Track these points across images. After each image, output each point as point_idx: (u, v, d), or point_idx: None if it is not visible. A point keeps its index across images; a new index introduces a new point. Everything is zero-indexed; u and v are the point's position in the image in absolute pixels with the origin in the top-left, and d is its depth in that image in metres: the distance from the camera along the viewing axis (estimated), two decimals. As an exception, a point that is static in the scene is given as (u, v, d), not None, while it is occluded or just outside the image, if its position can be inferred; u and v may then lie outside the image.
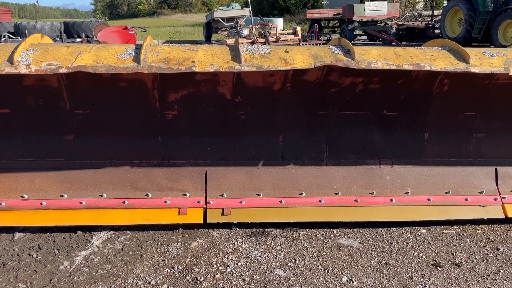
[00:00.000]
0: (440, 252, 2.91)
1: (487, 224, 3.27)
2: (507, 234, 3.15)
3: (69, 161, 3.02)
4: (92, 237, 2.95)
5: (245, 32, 20.07)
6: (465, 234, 3.15)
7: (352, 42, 22.96)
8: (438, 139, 3.29)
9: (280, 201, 3.08)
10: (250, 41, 18.24)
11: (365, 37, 24.47)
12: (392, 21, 22.80)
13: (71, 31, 19.46)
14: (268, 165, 3.17)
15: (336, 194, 3.14)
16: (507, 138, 3.33)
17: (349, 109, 3.13)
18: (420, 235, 3.11)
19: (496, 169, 3.32)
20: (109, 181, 3.01)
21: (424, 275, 2.65)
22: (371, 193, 3.17)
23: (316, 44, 20.62)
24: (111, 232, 3.02)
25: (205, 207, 3.02)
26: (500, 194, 3.27)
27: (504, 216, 3.23)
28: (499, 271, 2.70)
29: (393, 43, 19.83)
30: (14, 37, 16.94)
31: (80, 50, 2.47)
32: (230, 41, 18.56)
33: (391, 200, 3.16)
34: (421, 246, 2.98)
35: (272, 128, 3.13)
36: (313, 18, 24.86)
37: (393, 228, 3.19)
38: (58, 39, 17.23)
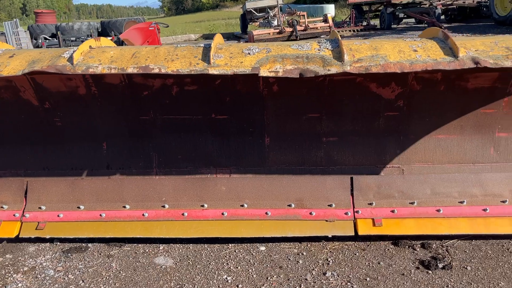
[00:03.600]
0: (254, 276, 2.57)
1: (341, 241, 2.86)
2: (354, 255, 2.73)
3: None
4: None
5: (276, 22, 19.65)
6: (305, 253, 2.77)
7: (396, 26, 21.78)
8: (281, 145, 2.91)
9: (101, 215, 2.88)
10: (277, 31, 17.90)
11: (413, 20, 22.97)
12: (438, 0, 21.21)
13: (107, 30, 20.14)
14: (93, 175, 2.98)
15: (163, 207, 2.88)
16: (364, 142, 2.87)
17: (173, 113, 2.85)
18: (253, 254, 2.78)
19: (351, 178, 2.88)
20: None
21: (207, 304, 2.35)
22: (202, 206, 2.88)
23: (353, 31, 19.77)
24: None
25: (21, 220, 2.90)
26: (354, 207, 2.83)
27: (353, 233, 2.80)
28: (299, 302, 2.33)
29: (434, 26, 18.52)
30: (50, 39, 17.82)
31: None
32: (257, 32, 18.31)
33: (222, 213, 2.85)
34: (240, 267, 2.66)
35: (93, 135, 2.93)
36: (355, 3, 23.82)
37: (230, 245, 2.88)
38: (89, 38, 17.83)
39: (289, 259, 2.72)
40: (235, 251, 2.82)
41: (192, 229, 2.83)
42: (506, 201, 2.77)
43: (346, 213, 2.81)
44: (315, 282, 2.50)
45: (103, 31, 20.33)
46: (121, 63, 2.23)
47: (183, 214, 2.86)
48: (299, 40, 17.67)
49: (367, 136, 2.85)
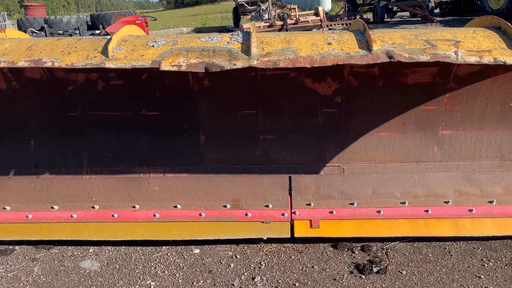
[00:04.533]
0: (180, 281, 2.45)
1: (280, 243, 2.73)
2: (290, 258, 2.60)
3: None
4: None
5: (267, 15, 19.45)
6: (239, 256, 2.64)
7: (389, 20, 21.59)
8: (217, 143, 2.77)
9: (27, 216, 2.75)
10: (268, 24, 17.71)
11: (408, 13, 22.72)
12: (432, -7, 20.96)
13: (96, 23, 19.95)
14: (20, 174, 2.85)
15: (93, 207, 2.76)
16: (303, 140, 2.74)
17: (101, 109, 2.71)
18: (185, 257, 2.66)
19: (290, 178, 2.75)
20: None
21: (122, 311, 2.22)
22: (134, 207, 2.75)
23: (345, 24, 19.55)
24: None
25: None
26: (291, 208, 2.70)
27: (290, 235, 2.67)
28: (219, 310, 2.21)
29: (427, 19, 18.40)
30: (38, 32, 17.63)
31: None
32: (247, 25, 18.12)
33: (154, 215, 2.72)
34: (167, 272, 2.53)
35: (20, 132, 2.80)
36: (350, -4, 23.63)
37: (163, 247, 2.76)
38: (77, 31, 17.74)
39: (221, 263, 2.60)
40: (167, 254, 2.70)
41: (122, 231, 2.70)
42: (449, 201, 2.64)
43: (283, 214, 2.69)
44: (239, 287, 2.37)
45: (93, 24, 20.16)
46: (13, 56, 2.09)
47: (113, 216, 2.73)
48: (290, 33, 17.54)
49: (306, 133, 2.71)
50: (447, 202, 2.64)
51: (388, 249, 2.64)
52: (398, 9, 21.61)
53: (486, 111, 2.60)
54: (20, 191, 2.81)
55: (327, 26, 18.59)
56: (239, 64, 1.97)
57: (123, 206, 2.75)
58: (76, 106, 2.71)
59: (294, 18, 17.91)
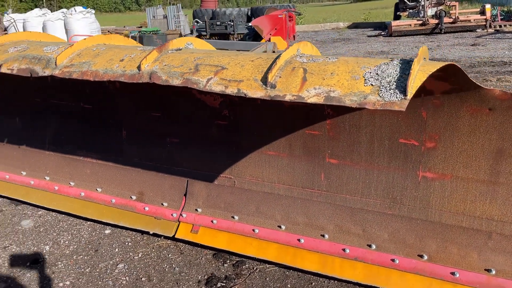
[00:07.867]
0: (67, 252, 2.84)
1: (174, 241, 2.89)
2: (167, 257, 2.76)
3: None
4: None
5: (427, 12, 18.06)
6: (130, 243, 2.90)
7: None
8: (135, 139, 3.04)
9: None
10: (420, 22, 16.53)
11: None
12: None
13: (254, 16, 21.26)
14: (7, 143, 3.55)
15: (45, 178, 3.32)
16: (202, 147, 2.81)
17: (56, 99, 3.22)
18: (93, 234, 3.02)
19: (187, 181, 2.88)
20: None
21: None
22: (70, 184, 3.22)
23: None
24: None
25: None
26: (182, 210, 2.84)
27: (172, 235, 2.82)
28: None
29: None
30: (201, 23, 19.63)
31: None
32: (396, 23, 17.20)
33: (80, 194, 3.15)
34: (68, 242, 2.94)
35: None
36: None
37: (88, 222, 3.17)
38: (232, 23, 19.16)
39: (112, 246, 2.89)
40: (84, 229, 3.10)
41: (56, 201, 3.19)
42: (326, 236, 2.46)
43: (172, 214, 2.84)
44: (105, 271, 2.63)
45: (252, 17, 21.53)
46: None
47: (54, 188, 3.24)
48: (443, 33, 16.03)
49: (205, 142, 2.79)
50: (323, 236, 2.47)
51: (257, 270, 2.59)
52: None
53: (374, 144, 2.32)
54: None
55: (499, 26, 16.45)
56: (47, 72, 2.22)
57: (64, 181, 3.24)
58: (39, 96, 3.27)
59: (453, 17, 16.31)
